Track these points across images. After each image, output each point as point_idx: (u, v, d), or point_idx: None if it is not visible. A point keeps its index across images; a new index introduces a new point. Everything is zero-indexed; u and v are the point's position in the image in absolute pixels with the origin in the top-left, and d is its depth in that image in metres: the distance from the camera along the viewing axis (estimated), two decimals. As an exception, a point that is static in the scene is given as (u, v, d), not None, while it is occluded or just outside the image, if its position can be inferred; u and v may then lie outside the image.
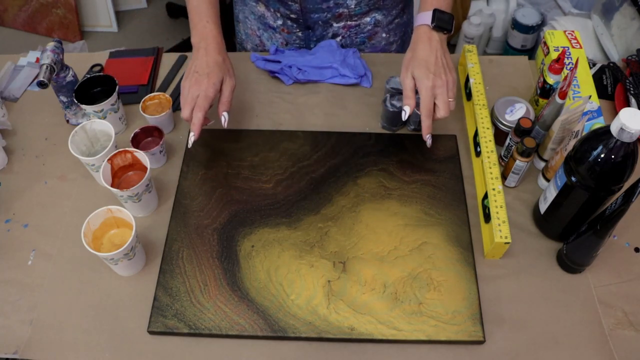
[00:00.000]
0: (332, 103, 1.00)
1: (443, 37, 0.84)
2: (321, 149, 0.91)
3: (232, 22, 1.18)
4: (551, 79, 0.86)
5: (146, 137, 0.91)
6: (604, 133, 0.66)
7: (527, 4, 1.98)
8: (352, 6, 1.00)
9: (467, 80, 0.96)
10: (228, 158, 0.90)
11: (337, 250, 0.79)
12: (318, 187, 0.86)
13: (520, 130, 0.82)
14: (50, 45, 0.87)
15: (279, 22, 1.05)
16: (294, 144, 0.92)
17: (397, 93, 0.91)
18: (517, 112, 0.88)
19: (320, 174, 0.88)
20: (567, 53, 0.97)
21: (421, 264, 0.77)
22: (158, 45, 1.18)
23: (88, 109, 0.88)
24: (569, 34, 0.99)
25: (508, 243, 0.75)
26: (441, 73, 0.80)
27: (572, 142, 0.76)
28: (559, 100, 0.79)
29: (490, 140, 0.85)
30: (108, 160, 0.80)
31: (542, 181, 0.87)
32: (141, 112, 0.91)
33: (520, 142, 0.79)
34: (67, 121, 0.98)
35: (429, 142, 0.84)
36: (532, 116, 0.88)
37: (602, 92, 0.99)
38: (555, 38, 0.99)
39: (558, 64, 0.84)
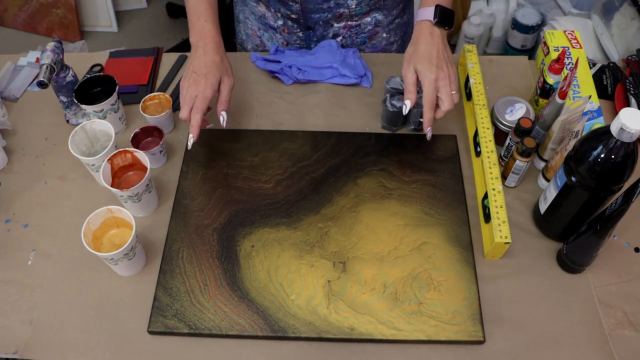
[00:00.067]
0: (332, 103, 1.00)
1: (444, 33, 0.84)
2: (321, 149, 0.91)
3: (233, 23, 1.18)
4: (551, 79, 0.86)
5: (146, 137, 0.91)
6: (604, 133, 0.66)
7: (527, 4, 1.98)
8: (353, 6, 1.00)
9: (467, 80, 0.96)
10: (228, 158, 0.90)
11: (337, 250, 0.79)
12: (318, 187, 0.86)
13: (520, 130, 0.82)
14: (50, 45, 0.87)
15: (280, 22, 1.05)
16: (294, 144, 0.92)
17: (397, 93, 0.91)
18: (517, 112, 0.88)
19: (320, 174, 0.88)
20: (567, 53, 0.97)
21: (421, 264, 0.77)
22: (158, 45, 1.18)
23: (88, 109, 0.88)
24: (569, 34, 0.99)
25: (508, 243, 0.75)
26: (443, 66, 0.81)
27: (572, 142, 0.76)
28: (559, 100, 0.79)
29: (490, 140, 0.85)
30: (108, 160, 0.80)
31: (542, 181, 0.87)
32: (141, 112, 0.91)
33: (520, 142, 0.79)
34: (67, 121, 0.98)
35: (429, 135, 0.84)
36: (532, 116, 0.88)
37: (602, 92, 0.99)
38: (555, 38, 0.99)
39: (558, 64, 0.84)
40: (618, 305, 0.75)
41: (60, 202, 0.88)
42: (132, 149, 0.82)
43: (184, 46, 2.20)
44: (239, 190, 0.86)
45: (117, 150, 0.81)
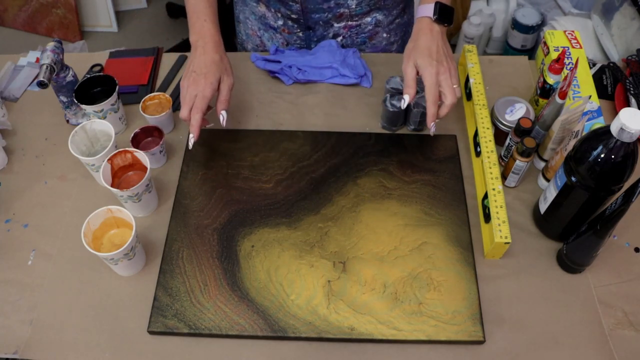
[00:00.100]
0: (332, 103, 1.00)
1: (444, 29, 0.85)
2: (321, 149, 0.91)
3: (233, 23, 1.18)
4: (551, 79, 0.86)
5: (146, 137, 0.91)
6: (604, 133, 0.66)
7: (527, 4, 1.98)
8: (353, 6, 1.00)
9: (467, 80, 0.96)
10: (228, 158, 0.90)
11: (337, 250, 0.79)
12: (318, 187, 0.86)
13: (520, 130, 0.82)
14: (50, 45, 0.87)
15: (280, 22, 1.05)
16: (294, 144, 0.92)
17: (397, 93, 0.91)
18: (517, 112, 0.88)
19: (320, 174, 0.88)
20: (567, 53, 0.97)
21: (421, 264, 0.77)
22: (158, 45, 1.18)
23: (88, 109, 0.88)
24: (569, 34, 0.99)
25: (508, 243, 0.75)
26: (443, 61, 0.81)
27: (572, 142, 0.76)
28: (559, 100, 0.79)
29: (490, 140, 0.85)
30: (108, 160, 0.80)
31: (542, 181, 0.87)
32: (141, 112, 0.91)
33: (520, 142, 0.79)
34: (67, 121, 0.98)
35: (432, 129, 0.84)
36: (532, 116, 0.88)
37: (602, 92, 0.99)
38: (555, 38, 0.99)
39: (558, 64, 0.84)
40: (618, 305, 0.75)
41: (60, 202, 0.88)
42: (132, 149, 0.82)
43: (184, 46, 2.20)
44: (239, 190, 0.86)
45: (117, 150, 0.81)
